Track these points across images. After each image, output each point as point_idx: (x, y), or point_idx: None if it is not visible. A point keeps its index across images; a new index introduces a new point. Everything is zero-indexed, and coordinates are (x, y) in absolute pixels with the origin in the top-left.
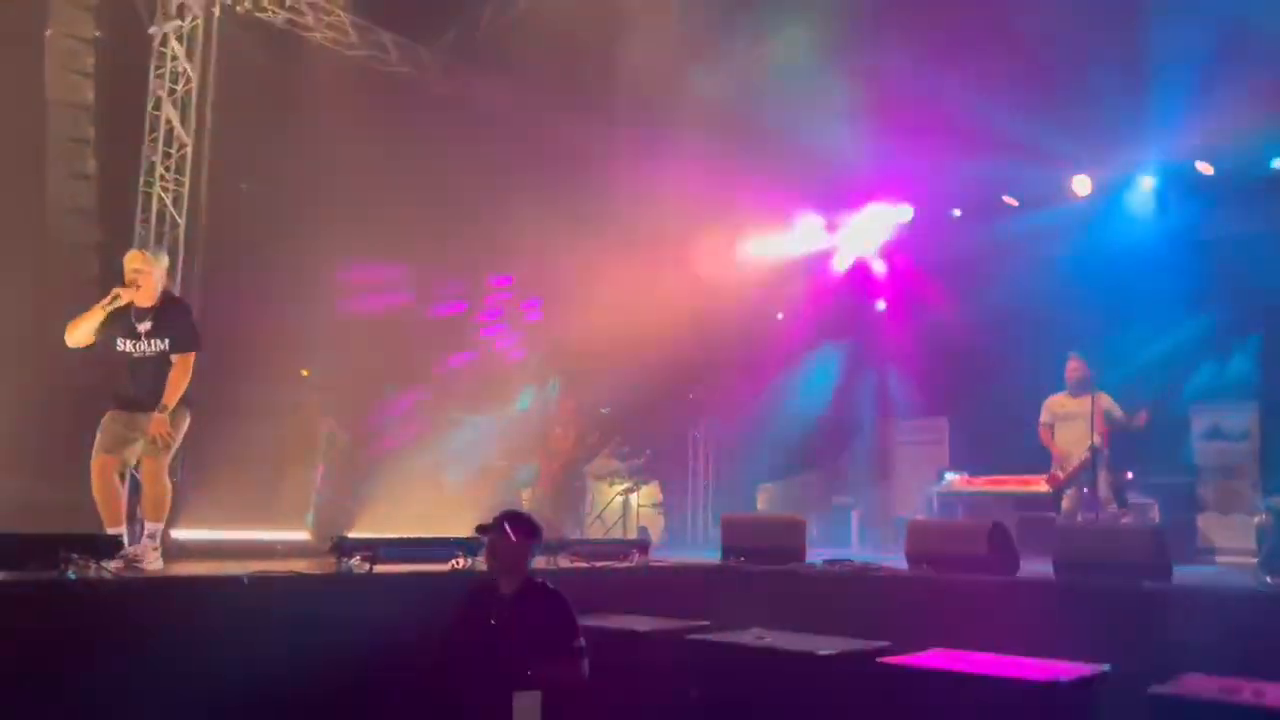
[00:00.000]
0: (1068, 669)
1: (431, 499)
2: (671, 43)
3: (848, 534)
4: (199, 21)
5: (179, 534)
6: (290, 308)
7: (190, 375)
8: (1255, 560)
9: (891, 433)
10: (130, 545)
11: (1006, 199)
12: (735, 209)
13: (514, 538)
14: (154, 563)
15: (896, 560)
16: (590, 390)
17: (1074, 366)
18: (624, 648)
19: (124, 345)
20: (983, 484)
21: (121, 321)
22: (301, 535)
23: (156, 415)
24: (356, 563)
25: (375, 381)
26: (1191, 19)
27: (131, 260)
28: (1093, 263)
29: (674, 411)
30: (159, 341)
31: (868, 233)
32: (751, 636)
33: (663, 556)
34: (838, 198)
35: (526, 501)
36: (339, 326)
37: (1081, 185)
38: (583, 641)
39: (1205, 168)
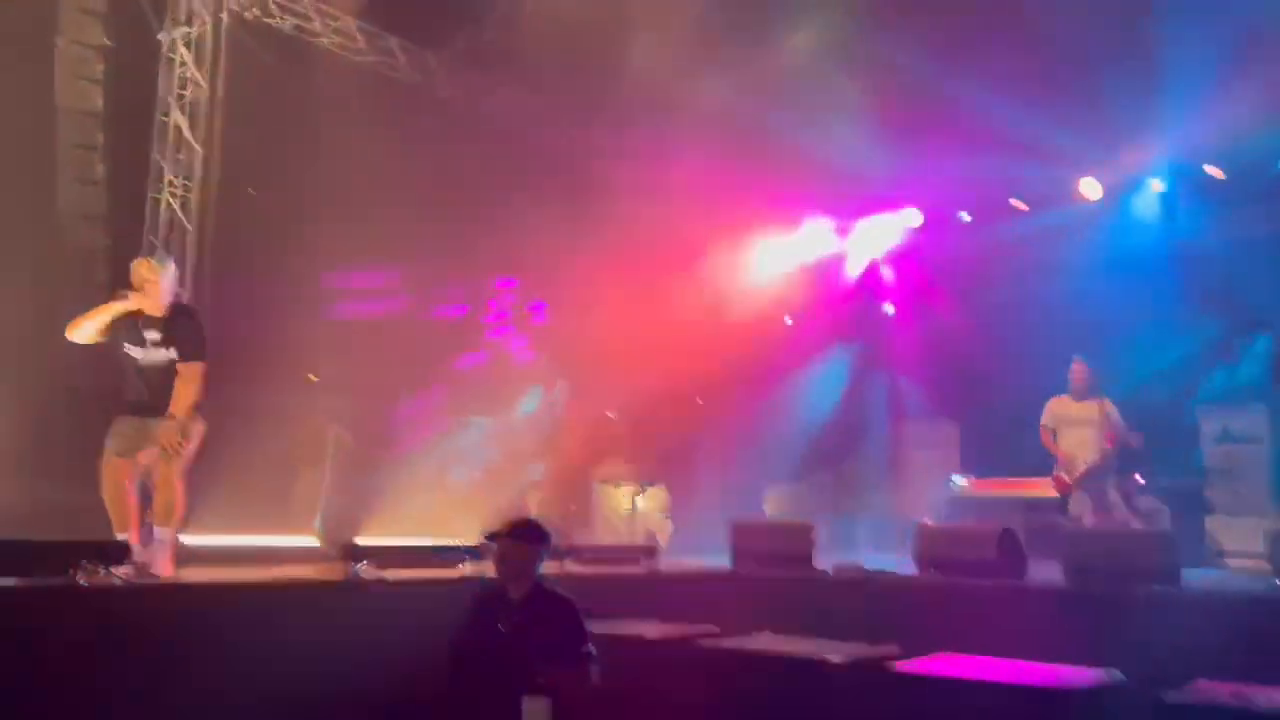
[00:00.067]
0: (1078, 675)
1: (439, 503)
2: (678, 47)
3: (856, 538)
4: (207, 28)
5: (187, 539)
6: (298, 312)
7: (199, 384)
8: (1266, 564)
9: (900, 436)
10: (141, 551)
11: (1015, 202)
12: (744, 213)
13: (522, 544)
14: (166, 569)
15: (905, 565)
16: (597, 394)
17: (1079, 370)
18: (633, 654)
19: (132, 352)
20: (991, 487)
21: (129, 328)
22: (310, 540)
23: (166, 424)
24: (365, 568)
25: (383, 385)
26: (1202, 20)
27: (138, 268)
28: (1102, 266)
29: (682, 415)
30: (167, 350)
31: (877, 237)
32: (761, 642)
33: (671, 561)
34: (847, 202)
35: (533, 505)
36: (346, 330)
37: (1091, 188)
38: (592, 648)
39: (1215, 171)
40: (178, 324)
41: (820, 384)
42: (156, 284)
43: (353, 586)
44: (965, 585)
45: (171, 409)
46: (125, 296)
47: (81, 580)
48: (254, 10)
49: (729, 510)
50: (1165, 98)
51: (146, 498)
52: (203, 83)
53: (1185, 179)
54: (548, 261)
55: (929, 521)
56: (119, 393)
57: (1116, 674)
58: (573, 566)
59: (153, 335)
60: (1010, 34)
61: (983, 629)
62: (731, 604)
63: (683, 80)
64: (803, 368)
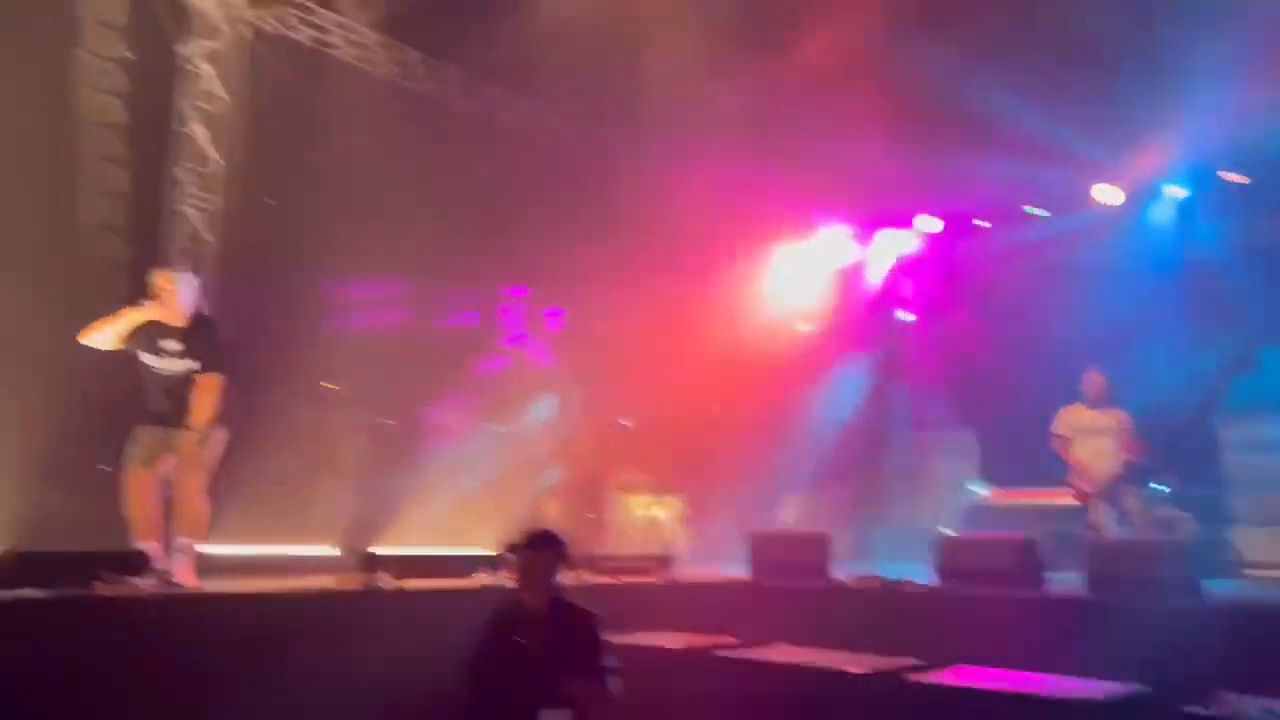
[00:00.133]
0: (1100, 688)
1: (457, 511)
2: (694, 55)
3: (875, 548)
4: (228, 40)
5: (207, 549)
6: (316, 322)
7: (219, 395)
8: None
9: (919, 445)
10: (163, 561)
11: (1033, 210)
12: (761, 220)
13: (542, 555)
14: (187, 578)
15: (924, 575)
16: (613, 401)
17: (1096, 380)
18: (652, 665)
19: (150, 362)
20: (1011, 497)
21: (147, 338)
22: (330, 550)
23: (186, 434)
24: (384, 578)
25: (401, 394)
26: (1222, 20)
27: (156, 278)
28: (1123, 274)
29: (699, 424)
30: (187, 361)
31: (895, 245)
32: (779, 653)
33: (687, 571)
34: (865, 209)
35: (551, 514)
36: (365, 340)
37: (1110, 195)
38: (613, 659)
39: (1235, 177)
40: (198, 335)
41: (838, 393)
42: (173, 294)
43: (372, 596)
44: (985, 596)
45: (192, 420)
46: (143, 305)
47: (103, 591)
48: (273, 23)
49: (746, 520)
50: (1185, 102)
51: (167, 507)
52: (222, 95)
53: (1205, 185)
54: (565, 270)
55: (948, 531)
56: (139, 403)
57: (1138, 686)
58: (589, 576)
59: (172, 345)
60: (1027, 37)
61: (1003, 640)
62: (749, 614)
63: (699, 88)
64: (821, 376)
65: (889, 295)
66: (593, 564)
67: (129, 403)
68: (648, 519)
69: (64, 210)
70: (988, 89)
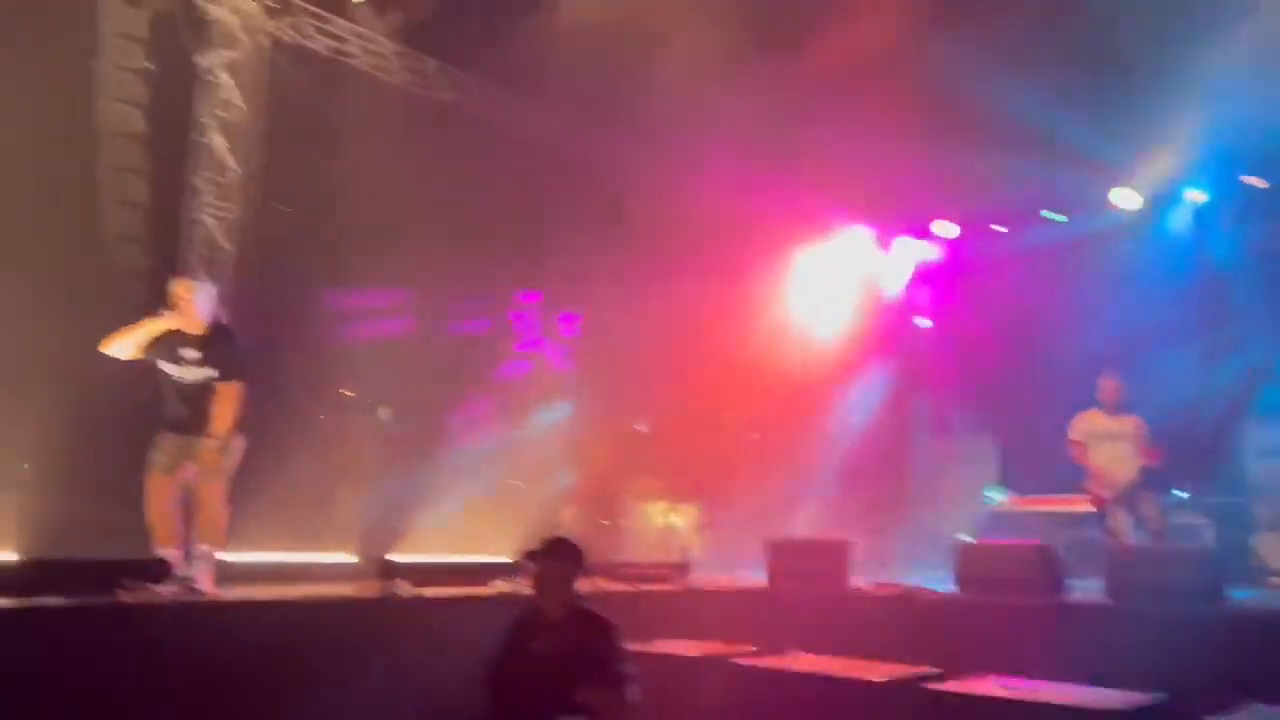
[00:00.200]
0: (1121, 698)
1: (476, 519)
2: (710, 59)
3: (893, 555)
4: (246, 50)
5: (226, 557)
6: (334, 329)
7: (239, 403)
8: None
9: (938, 451)
10: (183, 569)
11: (1051, 214)
12: (779, 226)
13: (559, 563)
14: (208, 586)
15: (943, 582)
16: (629, 407)
17: (1112, 386)
18: (669, 673)
19: (170, 370)
20: (1030, 504)
21: (167, 346)
22: (348, 558)
23: (207, 442)
24: (402, 585)
25: (419, 401)
26: (1242, 24)
27: (175, 287)
28: (1143, 280)
29: (715, 430)
30: (206, 369)
31: (913, 251)
32: (797, 661)
33: (705, 578)
34: (884, 215)
35: (566, 521)
36: (382, 347)
37: (1129, 199)
38: (631, 667)
39: (1257, 181)
40: (217, 344)
41: (856, 399)
42: (191, 303)
43: (390, 604)
44: (1005, 603)
45: (212, 428)
46: (162, 315)
47: (124, 598)
48: (291, 33)
49: (763, 527)
50: (1205, 105)
51: (187, 514)
52: (240, 104)
53: (1226, 190)
54: (581, 275)
55: (967, 538)
56: (159, 411)
57: (1159, 695)
58: (607, 584)
59: (191, 354)
60: (1045, 39)
61: (1023, 648)
62: (767, 622)
63: (716, 92)
64: (839, 382)
65: (907, 301)
66: (610, 571)
67: (149, 411)
68: (664, 526)
69: (84, 220)
70: (1004, 92)
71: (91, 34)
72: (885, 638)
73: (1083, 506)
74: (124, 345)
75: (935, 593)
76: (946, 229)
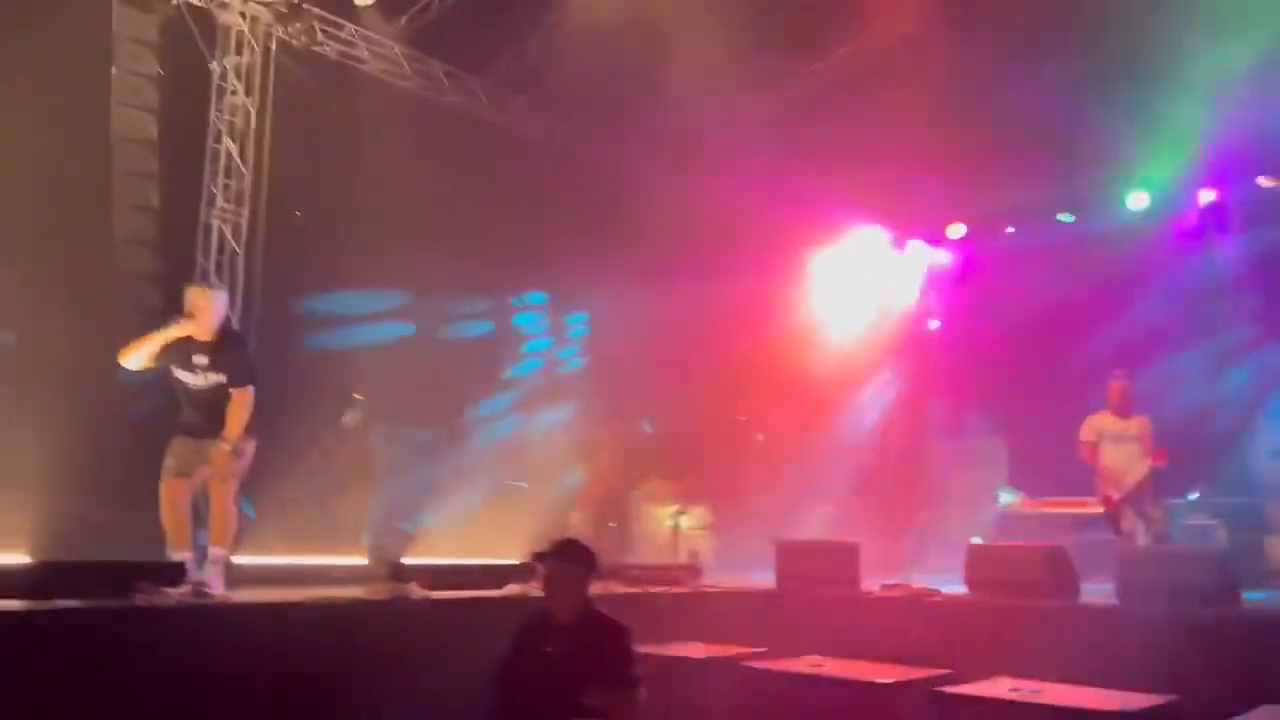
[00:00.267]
0: (1134, 699)
1: (486, 520)
2: (719, 61)
3: (903, 557)
4: (256, 56)
5: (238, 559)
6: (344, 332)
7: (249, 407)
8: None
9: (948, 453)
10: (194, 571)
11: (1062, 215)
12: (791, 227)
13: (569, 566)
14: (219, 589)
15: (954, 585)
16: (637, 410)
17: (1123, 387)
18: (679, 675)
19: (182, 377)
20: (1042, 506)
21: (179, 354)
22: (359, 560)
23: (220, 446)
24: (413, 588)
25: (429, 403)
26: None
27: (191, 295)
28: (1152, 279)
29: (725, 432)
30: (216, 375)
31: (925, 253)
32: (808, 664)
33: (714, 581)
34: (896, 217)
35: (575, 523)
36: (393, 350)
37: (1141, 200)
38: (640, 669)
39: (1272, 182)
40: (226, 349)
41: (868, 401)
42: (207, 310)
43: (400, 606)
44: (1016, 606)
45: (224, 432)
46: (177, 323)
47: (139, 600)
48: (301, 38)
49: (774, 529)
50: (1219, 105)
51: (199, 518)
52: (252, 109)
53: (1240, 191)
54: (590, 277)
55: (979, 541)
56: (173, 415)
57: (1172, 697)
58: (617, 586)
59: (201, 360)
60: (1059, 40)
61: (1035, 651)
62: (777, 624)
63: (725, 94)
64: (850, 384)
65: (918, 303)
66: (620, 574)
67: (163, 415)
68: (674, 528)
69: (98, 225)
70: (1018, 92)
71: (105, 40)
72: (895, 640)
73: (1094, 508)
74: (138, 356)
75: (945, 594)
76: (958, 230)
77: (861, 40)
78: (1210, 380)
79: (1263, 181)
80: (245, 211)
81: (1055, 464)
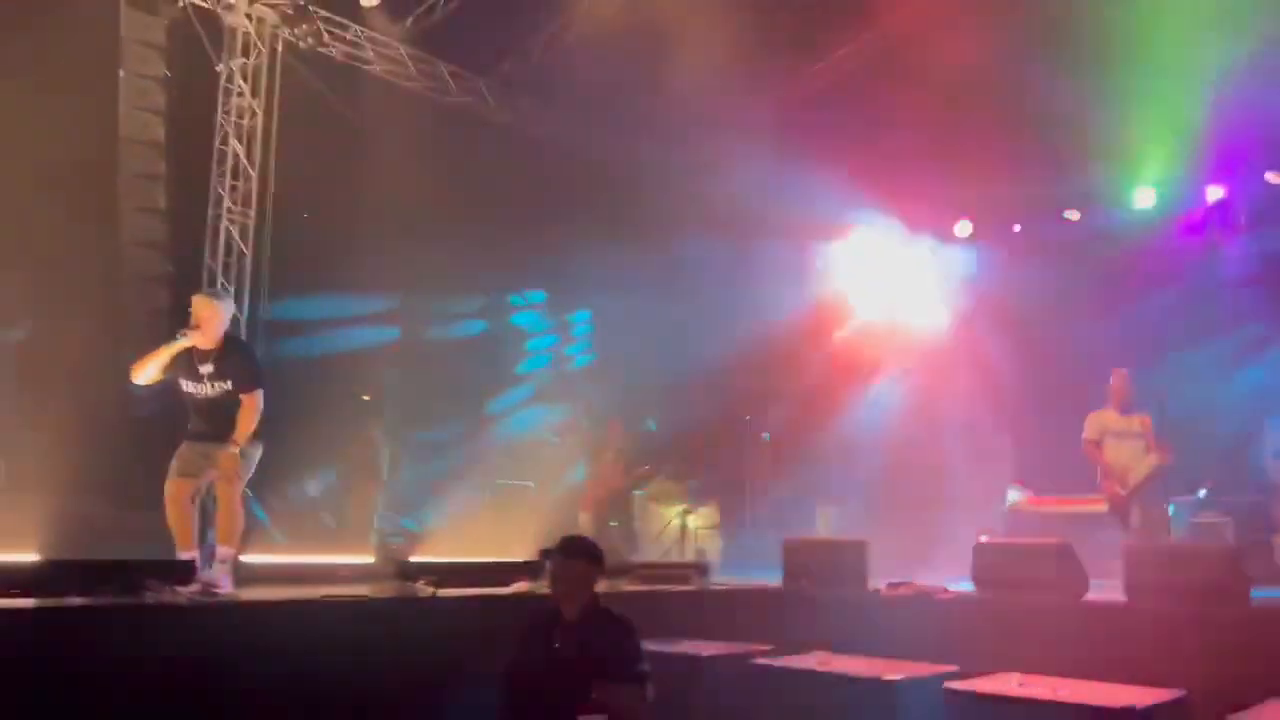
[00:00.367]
0: (1141, 694)
1: (493, 518)
2: (724, 59)
3: (911, 555)
4: (263, 57)
5: (245, 558)
6: (351, 332)
7: (258, 411)
8: None
9: (955, 451)
10: (202, 570)
11: (1068, 213)
12: (798, 224)
13: (577, 562)
14: (227, 587)
15: (962, 582)
16: (640, 409)
17: (1122, 384)
18: (687, 672)
19: (188, 386)
20: (1049, 503)
21: (184, 364)
22: (366, 559)
23: (228, 449)
24: (420, 586)
25: (435, 403)
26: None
27: (196, 305)
28: (1160, 277)
29: (732, 431)
30: (222, 383)
31: (931, 250)
32: (815, 661)
33: (722, 579)
34: (901, 214)
35: (582, 521)
36: (399, 349)
37: (1148, 198)
38: (647, 666)
39: (1278, 178)
40: (230, 356)
41: (875, 398)
42: (212, 319)
43: (408, 604)
44: (1024, 603)
45: (233, 436)
46: (184, 335)
47: (149, 599)
48: (307, 40)
49: (780, 527)
50: (1225, 105)
51: (206, 518)
52: (258, 111)
53: (1248, 187)
54: (594, 276)
55: (986, 538)
56: (181, 416)
57: (1179, 693)
58: (624, 584)
59: (206, 369)
60: (1064, 35)
61: (1042, 647)
62: (784, 622)
63: (730, 92)
64: (857, 382)
65: (926, 301)
66: (627, 571)
67: (171, 416)
68: (681, 527)
69: (105, 227)
70: (1022, 89)
71: (113, 42)
72: (903, 637)
73: (1101, 505)
74: (147, 371)
75: (953, 592)
76: (965, 228)
77: (863, 40)
78: (1219, 378)
79: (1271, 178)
80: (253, 213)
81: (1063, 461)
